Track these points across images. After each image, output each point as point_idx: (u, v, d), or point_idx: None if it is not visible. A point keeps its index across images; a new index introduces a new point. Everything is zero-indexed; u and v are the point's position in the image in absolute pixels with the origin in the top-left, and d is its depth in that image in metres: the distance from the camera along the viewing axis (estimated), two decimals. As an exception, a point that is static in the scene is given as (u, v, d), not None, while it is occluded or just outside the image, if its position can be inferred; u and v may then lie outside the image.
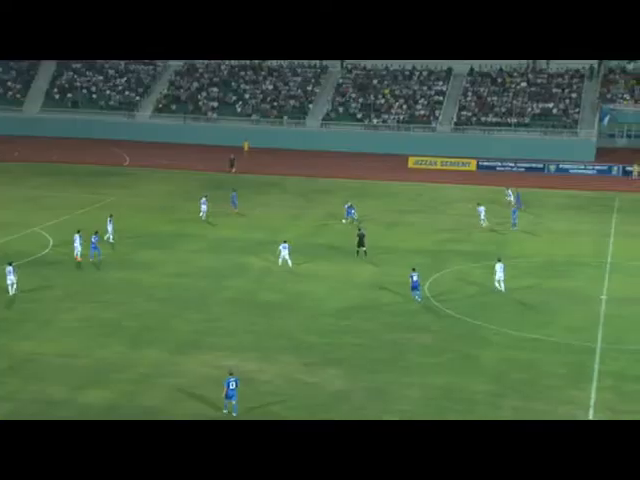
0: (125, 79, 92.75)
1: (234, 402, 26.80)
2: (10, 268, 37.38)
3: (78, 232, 43.02)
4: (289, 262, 42.59)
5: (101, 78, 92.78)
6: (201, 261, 44.30)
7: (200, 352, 31.94)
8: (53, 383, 28.80)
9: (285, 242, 43.00)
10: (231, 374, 27.13)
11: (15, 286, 37.35)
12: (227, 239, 48.63)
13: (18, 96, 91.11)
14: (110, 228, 46.46)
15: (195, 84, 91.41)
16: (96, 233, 43.52)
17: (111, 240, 46.24)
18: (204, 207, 52.38)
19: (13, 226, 49.79)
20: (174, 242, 47.80)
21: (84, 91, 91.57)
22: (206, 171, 70.55)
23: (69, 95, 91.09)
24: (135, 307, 36.93)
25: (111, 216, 47.14)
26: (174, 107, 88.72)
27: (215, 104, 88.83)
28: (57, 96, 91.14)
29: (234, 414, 26.64)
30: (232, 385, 26.77)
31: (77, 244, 42.59)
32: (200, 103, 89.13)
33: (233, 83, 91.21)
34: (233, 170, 69.81)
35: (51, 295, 38.14)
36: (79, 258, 42.69)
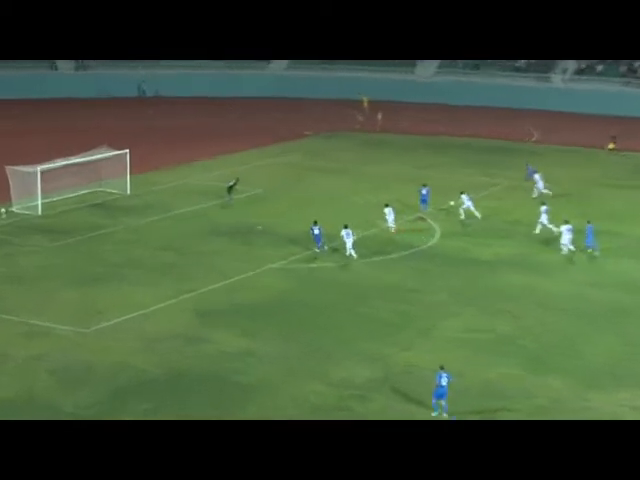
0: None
1: (443, 402, 26.81)
2: (349, 231, 41.14)
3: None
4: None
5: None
6: (619, 266, 40.57)
7: (618, 387, 28.98)
8: (422, 405, 27.32)
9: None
10: (442, 368, 27.14)
11: (353, 251, 40.76)
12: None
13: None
14: (544, 219, 44.04)
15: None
16: (425, 184, 48.66)
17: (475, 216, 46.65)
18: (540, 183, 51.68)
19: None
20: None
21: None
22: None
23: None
24: (534, 320, 34.76)
25: (543, 203, 45.45)
26: (599, 67, 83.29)
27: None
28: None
29: (444, 414, 26.66)
30: (444, 381, 26.86)
31: (389, 216, 44.37)
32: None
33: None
34: (609, 147, 65.48)
35: (434, 297, 36.89)
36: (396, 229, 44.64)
